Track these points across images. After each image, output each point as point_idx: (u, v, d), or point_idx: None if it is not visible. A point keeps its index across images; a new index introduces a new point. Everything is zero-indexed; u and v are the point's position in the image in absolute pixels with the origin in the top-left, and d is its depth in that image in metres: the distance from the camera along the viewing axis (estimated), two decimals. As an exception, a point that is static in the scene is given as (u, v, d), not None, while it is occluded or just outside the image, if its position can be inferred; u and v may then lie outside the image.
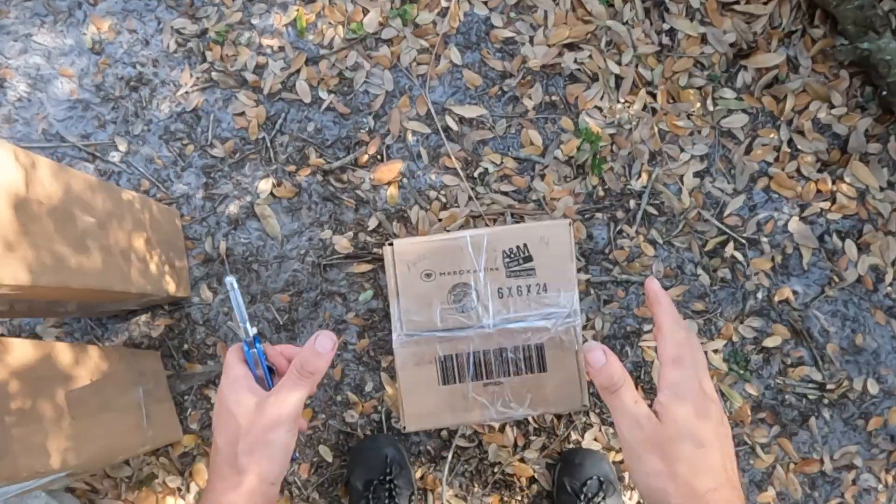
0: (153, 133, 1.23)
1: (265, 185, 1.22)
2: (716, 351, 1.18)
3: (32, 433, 0.81)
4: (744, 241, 1.19)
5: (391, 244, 0.55)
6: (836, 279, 1.18)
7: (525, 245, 0.56)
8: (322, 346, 0.50)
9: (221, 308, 1.21)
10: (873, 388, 1.17)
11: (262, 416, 0.48)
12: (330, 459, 1.20)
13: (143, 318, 1.21)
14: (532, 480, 1.20)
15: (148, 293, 1.04)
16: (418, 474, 1.20)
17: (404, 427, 0.63)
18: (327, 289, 1.21)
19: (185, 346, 1.21)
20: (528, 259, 0.56)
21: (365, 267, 1.21)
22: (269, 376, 0.56)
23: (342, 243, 1.21)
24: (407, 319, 0.56)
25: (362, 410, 1.20)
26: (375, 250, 1.21)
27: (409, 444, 1.20)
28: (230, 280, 0.54)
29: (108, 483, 1.19)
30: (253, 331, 0.55)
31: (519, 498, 1.20)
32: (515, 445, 1.19)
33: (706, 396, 0.49)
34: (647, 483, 0.48)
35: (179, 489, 1.19)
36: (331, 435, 1.20)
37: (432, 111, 1.22)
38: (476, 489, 1.20)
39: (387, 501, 1.12)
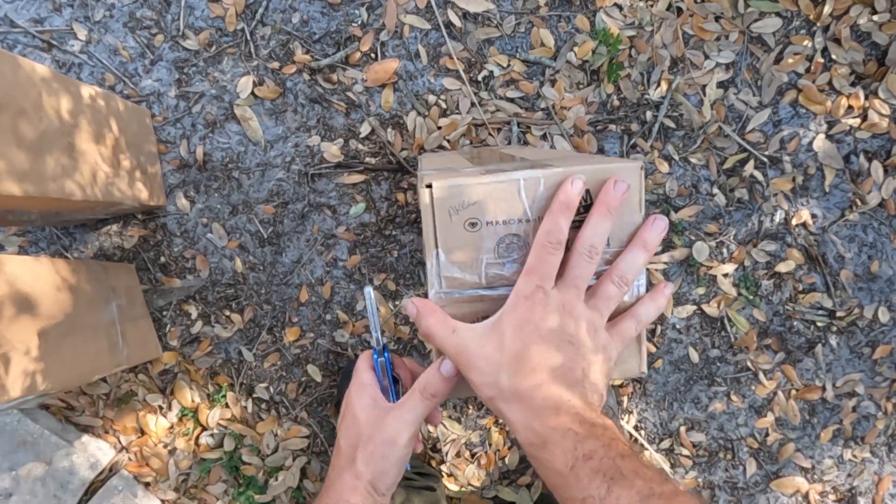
0: (116, 20, 1.11)
1: (245, 84, 1.12)
2: (726, 275, 1.15)
3: (-4, 348, 0.75)
4: (765, 160, 1.13)
5: (430, 186, 0.44)
6: (858, 202, 1.14)
7: (587, 191, 0.47)
8: (447, 370, 0.50)
9: (200, 218, 1.14)
10: (884, 316, 1.16)
11: (383, 429, 0.51)
12: (319, 379, 1.17)
13: (115, 227, 1.14)
14: (528, 403, 1.18)
15: (117, 201, 0.96)
16: (411, 395, 1.18)
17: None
18: (315, 200, 1.14)
19: (162, 259, 1.15)
20: (589, 207, 0.47)
21: (356, 178, 1.13)
22: (393, 387, 0.58)
23: (331, 151, 1.13)
24: (447, 276, 0.47)
25: (353, 330, 1.16)
26: (368, 160, 1.13)
27: (402, 365, 1.17)
28: (369, 290, 0.56)
29: (84, 400, 1.15)
30: (384, 340, 0.58)
31: (514, 420, 1.19)
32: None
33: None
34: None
35: (161, 407, 1.16)
36: (319, 354, 1.17)
37: (433, 4, 1.11)
38: (471, 410, 1.19)
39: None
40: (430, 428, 1.19)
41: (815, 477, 1.20)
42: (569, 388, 0.44)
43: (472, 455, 1.20)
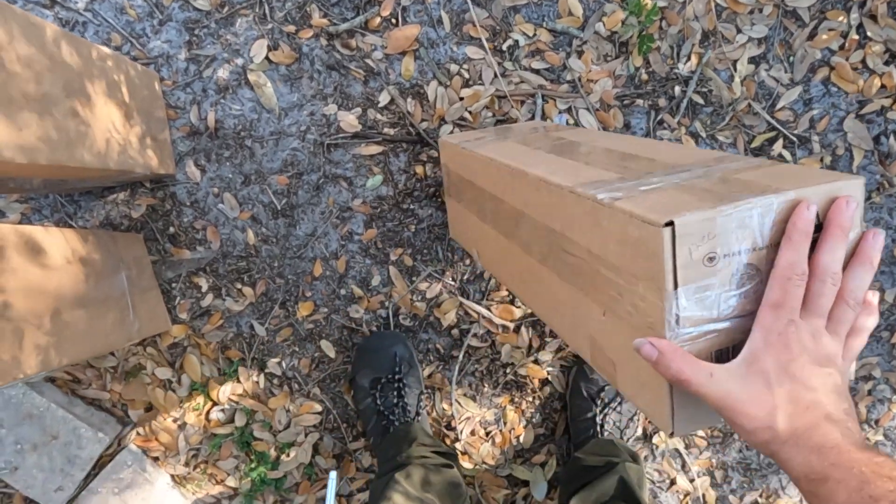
0: (123, -24, 1.06)
1: (259, 48, 1.07)
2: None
3: (4, 333, 0.73)
4: (794, 139, 1.11)
5: (671, 224, 0.41)
6: (886, 185, 1.13)
7: (816, 213, 0.44)
8: None
9: (211, 188, 1.10)
10: (905, 300, 1.15)
11: None
12: (332, 355, 1.15)
13: (122, 196, 1.10)
14: (545, 382, 1.18)
15: (125, 169, 0.93)
16: (426, 373, 1.17)
17: (672, 433, 0.50)
18: (331, 171, 1.11)
19: (171, 230, 1.11)
20: (818, 229, 0.44)
21: (374, 149, 1.10)
22: None
23: (348, 120, 1.09)
24: (686, 315, 0.44)
25: (368, 306, 1.14)
26: (386, 130, 1.10)
27: (418, 342, 1.16)
28: (333, 475, 0.64)
29: (91, 373, 1.13)
30: None
31: (530, 399, 1.18)
32: (530, 347, 1.16)
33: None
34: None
35: (170, 381, 1.14)
36: (333, 330, 1.15)
37: (458, -33, 1.07)
38: (486, 389, 1.18)
39: (395, 400, 1.09)
40: (445, 406, 1.18)
41: (828, 459, 1.21)
42: (840, 423, 0.43)
43: (487, 433, 1.19)
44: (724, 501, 1.23)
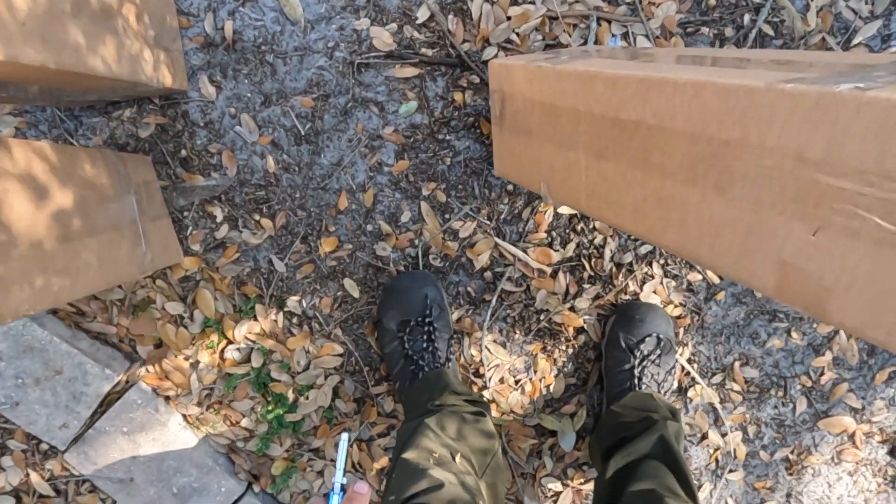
0: None
1: (285, -51, 0.96)
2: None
3: (9, 265, 0.65)
4: (866, 79, 1.03)
5: None
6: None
7: None
8: (360, 487, 0.65)
9: (227, 108, 1.01)
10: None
11: None
12: (356, 295, 1.09)
13: (128, 113, 1.00)
14: (580, 331, 1.13)
15: (134, 80, 0.83)
16: (455, 317, 1.11)
17: None
18: (361, 95, 1.01)
19: (183, 153, 1.02)
20: None
21: (409, 71, 1.01)
22: None
23: (382, 38, 0.99)
24: None
25: (396, 244, 1.07)
26: (424, 51, 1.00)
27: (448, 284, 1.10)
28: (344, 437, 0.69)
29: (95, 305, 1.06)
30: (343, 482, 0.68)
31: (563, 348, 1.13)
32: (566, 293, 1.10)
33: None
34: None
35: (181, 317, 1.08)
36: (358, 268, 1.08)
37: None
38: (517, 336, 1.12)
39: (424, 344, 1.03)
40: (474, 352, 1.12)
41: (864, 418, 1.19)
42: None
43: (516, 382, 1.15)
44: (755, 457, 1.21)
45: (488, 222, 1.07)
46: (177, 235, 1.05)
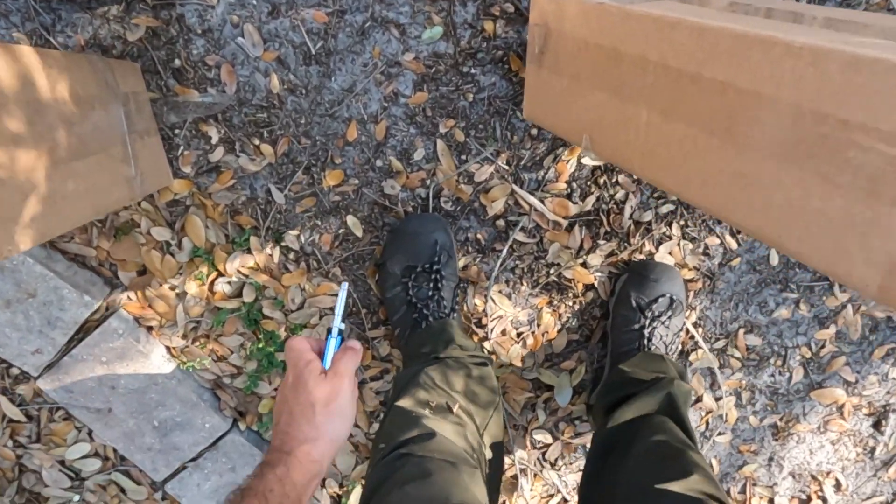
0: None
1: None
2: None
3: None
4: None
5: None
6: None
7: None
8: (353, 343, 0.65)
9: (229, 15, 0.90)
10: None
11: (339, 392, 0.62)
12: (359, 234, 1.02)
13: (115, 10, 0.89)
14: (589, 287, 1.09)
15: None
16: (461, 264, 1.06)
17: None
18: (381, 14, 0.91)
19: (176, 62, 0.92)
20: None
21: (437, -8, 0.91)
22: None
23: (410, -50, 0.89)
24: None
25: (406, 182, 1.00)
26: (455, -30, 0.90)
27: (457, 229, 1.04)
28: (345, 286, 0.68)
29: (73, 225, 0.97)
30: (342, 326, 0.68)
31: (570, 303, 1.10)
32: (580, 248, 1.06)
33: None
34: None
35: (168, 244, 1.00)
36: (363, 205, 1.01)
37: None
38: (524, 288, 1.08)
39: (430, 292, 0.99)
40: (478, 301, 1.08)
41: (855, 391, 1.20)
42: None
43: (518, 335, 1.12)
44: (744, 421, 1.23)
45: (507, 167, 1.01)
46: (166, 155, 0.96)
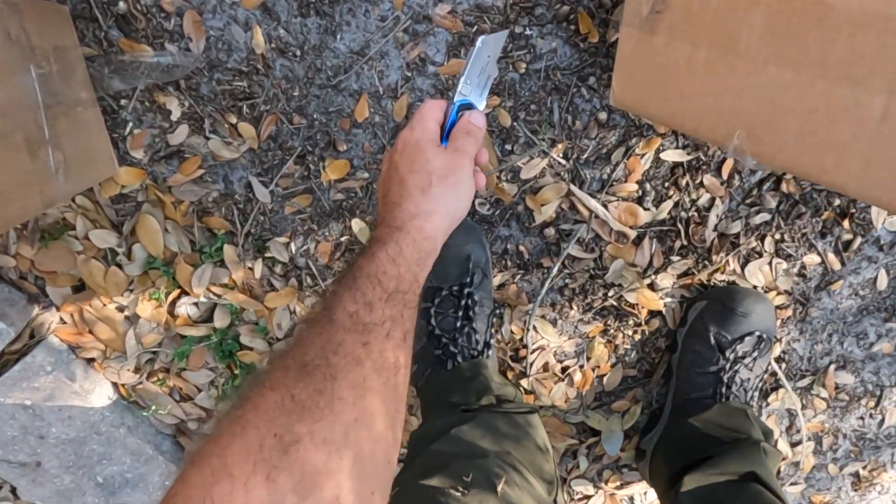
0: None
1: None
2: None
3: None
4: None
5: None
6: None
7: None
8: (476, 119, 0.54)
9: (195, -57, 0.65)
10: None
11: (456, 168, 0.51)
12: (366, 241, 0.79)
13: (31, -72, 0.63)
14: (654, 314, 0.87)
15: None
16: (496, 281, 0.83)
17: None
18: (407, -52, 0.67)
19: (122, 6, 0.67)
20: None
21: (485, -81, 0.66)
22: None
23: None
24: None
25: (431, 178, 0.76)
26: None
27: (493, 238, 0.81)
28: (483, 39, 0.54)
29: (-18, 226, 0.72)
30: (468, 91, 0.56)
31: (629, 332, 0.88)
32: (649, 265, 0.84)
33: None
34: None
35: (114, 252, 0.76)
36: (373, 206, 0.78)
37: None
38: (573, 312, 0.86)
39: (458, 322, 0.77)
40: (514, 329, 0.86)
41: (956, 436, 1.01)
42: None
43: (563, 370, 0.90)
44: (822, 469, 1.03)
45: (563, 162, 0.77)
46: (109, 135, 0.71)
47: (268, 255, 0.78)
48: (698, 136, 0.56)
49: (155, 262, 0.76)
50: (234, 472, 0.30)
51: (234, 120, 0.72)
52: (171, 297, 0.78)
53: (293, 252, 0.79)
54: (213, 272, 0.77)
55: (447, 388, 0.76)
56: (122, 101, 0.71)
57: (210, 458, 0.31)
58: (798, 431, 0.99)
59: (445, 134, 0.54)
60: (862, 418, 0.99)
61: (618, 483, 0.99)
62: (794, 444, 1.00)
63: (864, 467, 1.03)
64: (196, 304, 0.79)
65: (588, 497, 0.99)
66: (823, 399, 0.97)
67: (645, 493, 1.01)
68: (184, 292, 0.78)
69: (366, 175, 0.76)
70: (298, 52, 0.70)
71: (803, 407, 0.97)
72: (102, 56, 0.68)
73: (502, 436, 0.71)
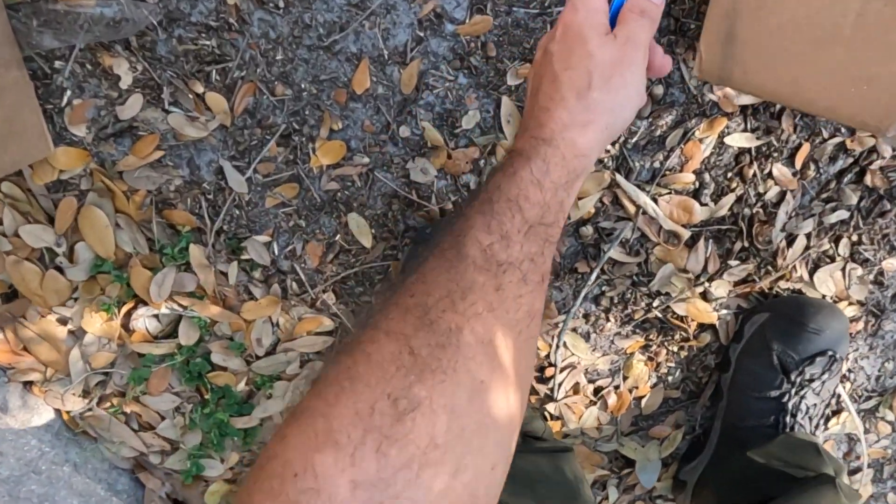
0: None
1: None
2: None
3: None
4: None
5: None
6: None
7: None
8: None
9: None
10: None
11: (623, 65, 0.41)
12: (367, 242, 0.65)
13: None
14: (704, 328, 0.74)
15: None
16: (520, 290, 0.70)
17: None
18: None
19: (51, -61, 0.51)
20: None
21: None
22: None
23: None
24: None
25: (447, 164, 0.63)
26: None
27: (519, 238, 0.67)
28: None
29: None
30: None
31: (674, 349, 0.75)
32: (702, 272, 0.70)
33: None
34: None
35: (52, 252, 0.62)
36: (375, 198, 0.64)
37: None
38: (610, 325, 0.73)
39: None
40: (540, 345, 0.73)
41: None
42: None
43: (596, 392, 0.77)
44: (880, 499, 0.92)
45: (608, 147, 0.64)
46: (42, 106, 0.56)
47: (244, 256, 0.64)
48: (836, 118, 0.43)
49: (104, 265, 0.62)
50: (341, 438, 0.26)
51: (200, 89, 0.58)
52: (124, 309, 0.64)
53: (275, 253, 0.65)
54: (176, 278, 0.63)
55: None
56: (57, 64, 0.56)
57: (315, 417, 0.28)
58: (858, 458, 0.87)
59: (611, 17, 0.42)
60: (931, 442, 0.88)
61: (651, 516, 0.87)
62: (852, 472, 0.88)
63: (926, 496, 0.92)
64: (156, 316, 0.65)
65: (616, 531, 0.87)
66: (889, 422, 0.85)
67: (680, 527, 0.89)
68: (141, 302, 0.64)
69: (366, 160, 0.62)
70: (282, 3, 0.56)
71: (866, 431, 0.85)
72: (29, 4, 0.53)
73: (532, 484, 0.58)
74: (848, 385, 0.81)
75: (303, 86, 0.59)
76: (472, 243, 0.34)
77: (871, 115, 0.37)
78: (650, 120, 0.63)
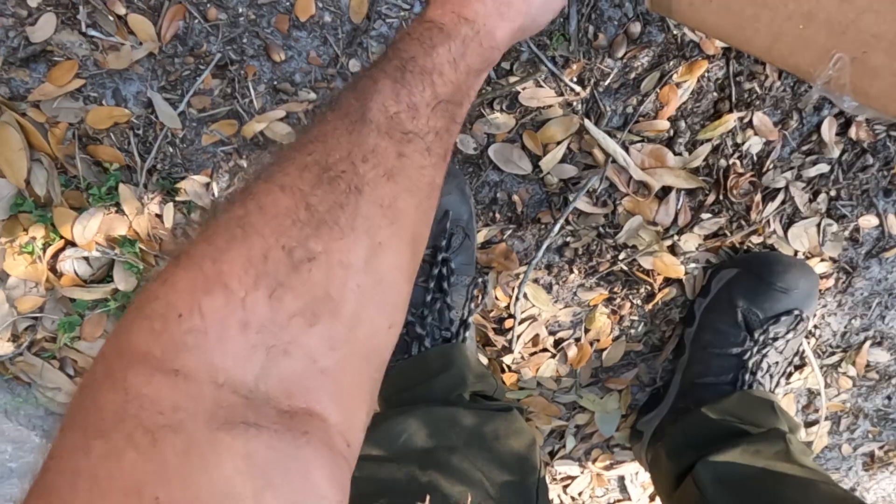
0: None
1: None
2: None
3: None
4: None
5: None
6: None
7: None
8: None
9: None
10: None
11: None
12: (314, 186, 0.61)
13: None
14: (671, 282, 0.73)
15: None
16: (480, 238, 0.67)
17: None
18: None
19: None
20: None
21: None
22: None
23: None
24: None
25: (401, 103, 0.58)
26: None
27: (480, 183, 0.65)
28: None
29: None
30: None
31: (637, 302, 0.74)
32: (673, 224, 0.68)
33: None
34: None
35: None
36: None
37: None
38: (573, 277, 0.72)
39: (429, 295, 0.62)
40: (499, 294, 0.71)
41: None
42: None
43: (556, 344, 0.76)
44: (834, 450, 0.94)
45: (577, 88, 0.60)
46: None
47: (181, 198, 0.61)
48: (771, 61, 0.40)
49: (25, 205, 0.58)
50: (232, 283, 0.25)
51: (121, 10, 0.52)
52: (52, 250, 0.61)
53: (215, 194, 0.62)
54: (106, 220, 0.60)
55: (407, 382, 0.61)
56: (-47, -25, 0.50)
57: (202, 260, 0.26)
58: (816, 411, 0.88)
59: None
60: (889, 398, 0.89)
61: (607, 463, 0.89)
62: (809, 425, 0.90)
63: (880, 447, 0.95)
64: (86, 258, 0.62)
65: (572, 478, 0.89)
66: (850, 377, 0.86)
67: (636, 474, 0.91)
68: (69, 243, 0.61)
69: (311, 96, 0.58)
70: (212, -87, 0.50)
71: (826, 386, 0.86)
72: None
73: (464, 441, 0.58)
74: (813, 340, 0.81)
75: (239, 10, 0.54)
76: (378, 109, 0.33)
77: (803, 57, 0.34)
78: (624, 61, 0.59)
